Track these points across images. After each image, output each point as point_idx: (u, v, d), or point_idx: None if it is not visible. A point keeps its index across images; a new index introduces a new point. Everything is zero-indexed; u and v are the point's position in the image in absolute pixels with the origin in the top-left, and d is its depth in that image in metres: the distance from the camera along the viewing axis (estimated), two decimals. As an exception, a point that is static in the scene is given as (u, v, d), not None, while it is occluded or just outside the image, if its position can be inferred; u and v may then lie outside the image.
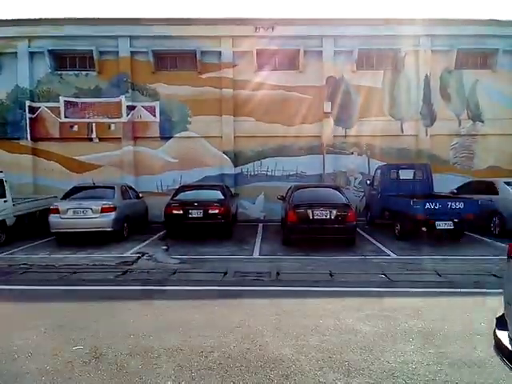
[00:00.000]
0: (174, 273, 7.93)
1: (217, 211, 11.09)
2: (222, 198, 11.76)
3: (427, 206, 10.02)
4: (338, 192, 11.13)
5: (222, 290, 6.76)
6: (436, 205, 10.05)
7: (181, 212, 11.05)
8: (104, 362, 4.08)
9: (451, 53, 15.30)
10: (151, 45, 15.01)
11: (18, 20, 14.90)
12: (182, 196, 11.84)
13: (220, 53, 15.30)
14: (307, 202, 10.28)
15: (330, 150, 15.42)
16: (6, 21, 14.87)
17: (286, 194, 11.80)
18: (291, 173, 15.54)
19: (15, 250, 10.29)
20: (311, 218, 9.94)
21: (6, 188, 11.08)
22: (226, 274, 7.78)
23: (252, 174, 15.63)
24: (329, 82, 15.40)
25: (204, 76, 15.43)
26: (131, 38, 15.06)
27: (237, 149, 15.53)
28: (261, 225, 14.10)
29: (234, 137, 15.46)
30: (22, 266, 8.70)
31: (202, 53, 15.19)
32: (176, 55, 15.55)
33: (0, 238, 10.76)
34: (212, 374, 3.80)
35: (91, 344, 4.52)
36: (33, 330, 4.98)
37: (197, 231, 11.49)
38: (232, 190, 14.24)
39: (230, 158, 15.43)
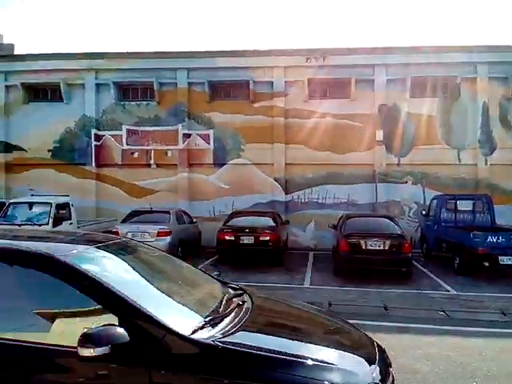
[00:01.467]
0: (227, 299, 8.00)
1: (268, 238, 11.19)
2: (273, 224, 11.87)
3: (489, 239, 9.53)
4: (391, 222, 10.89)
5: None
6: (499, 238, 9.55)
7: (232, 238, 11.25)
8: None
9: (509, 80, 14.77)
10: (207, 76, 15.73)
11: (87, 54, 16.20)
12: (234, 222, 12.08)
13: (272, 83, 15.72)
14: (360, 232, 10.13)
15: (383, 178, 15.18)
16: (76, 54, 16.21)
17: (338, 222, 11.68)
18: (342, 201, 15.41)
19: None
20: (364, 248, 9.77)
21: (71, 211, 11.84)
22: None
23: (303, 201, 15.66)
24: (381, 110, 15.32)
25: (256, 105, 15.87)
26: (189, 70, 15.90)
27: (288, 176, 15.69)
28: (311, 253, 13.98)
29: (286, 164, 15.66)
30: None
31: (255, 82, 15.68)
32: (230, 85, 16.16)
33: (64, 258, 11.40)
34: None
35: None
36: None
37: (248, 257, 11.60)
38: (283, 217, 14.32)
39: (281, 185, 15.60)
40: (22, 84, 16.22)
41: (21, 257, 2.46)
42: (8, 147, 16.39)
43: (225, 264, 11.60)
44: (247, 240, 11.12)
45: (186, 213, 13.76)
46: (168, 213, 12.15)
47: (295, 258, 13.03)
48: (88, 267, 2.44)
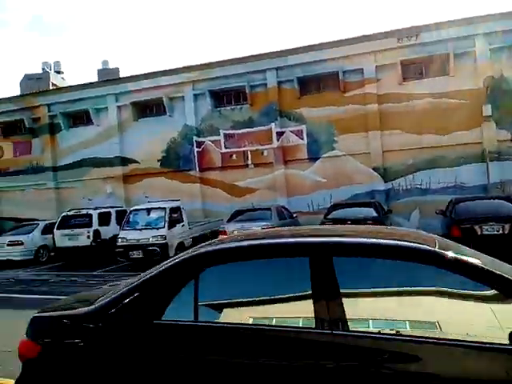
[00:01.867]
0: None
1: (371, 229, 10.99)
2: (375, 215, 11.62)
3: None
4: (510, 204, 10.01)
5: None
6: None
7: (334, 231, 11.24)
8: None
9: None
10: (295, 72, 15.94)
11: (184, 68, 17.44)
12: (334, 214, 12.05)
13: (362, 70, 15.37)
14: (473, 216, 9.48)
15: (495, 156, 13.96)
16: (174, 69, 17.54)
17: (447, 207, 11.05)
18: (449, 185, 14.52)
19: (193, 267, 11.80)
20: (479, 233, 9.14)
21: (183, 214, 12.91)
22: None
23: (404, 188, 15.08)
24: (487, 82, 14.08)
25: (347, 94, 15.65)
26: (277, 69, 16.24)
27: (386, 164, 15.23)
28: (418, 242, 13.38)
29: (383, 151, 15.21)
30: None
31: (345, 72, 15.47)
32: (319, 78, 16.16)
33: (180, 257, 12.46)
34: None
35: None
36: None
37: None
38: (384, 206, 13.94)
39: (379, 173, 15.20)
40: (131, 103, 18.05)
41: (404, 252, 2.51)
42: (124, 161, 18.36)
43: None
44: (351, 232, 11.05)
45: (285, 208, 14.12)
46: (269, 210, 12.59)
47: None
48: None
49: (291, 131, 16.28)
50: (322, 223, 11.63)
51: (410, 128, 14.82)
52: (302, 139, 16.16)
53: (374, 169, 15.27)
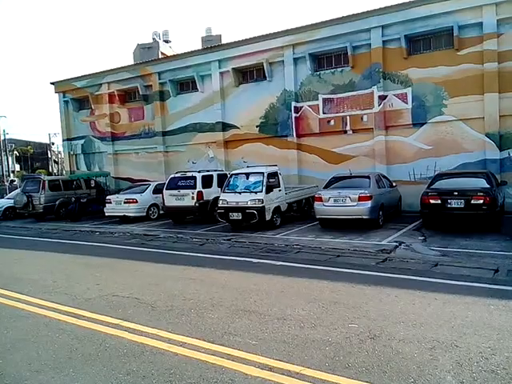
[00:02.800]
0: (436, 265, 7.81)
1: (481, 201, 10.17)
2: (487, 186, 10.68)
3: None
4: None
5: (493, 288, 6.28)
6: None
7: (439, 202, 10.65)
8: (379, 343, 4.48)
9: None
10: (403, 30, 14.82)
11: (285, 31, 17.21)
12: (439, 184, 11.37)
13: (481, 24, 13.73)
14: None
15: None
16: (275, 33, 17.40)
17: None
18: None
19: (288, 232, 12.17)
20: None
21: (280, 179, 13.19)
22: (497, 271, 7.16)
23: (523, 157, 13.49)
24: None
25: (462, 52, 14.19)
26: (383, 27, 15.23)
27: (503, 130, 13.72)
28: (537, 217, 12.09)
29: (500, 116, 13.67)
30: (294, 246, 10.23)
31: (460, 28, 13.99)
32: (430, 36, 14.87)
33: (276, 221, 12.88)
34: (496, 378, 3.71)
35: (364, 324, 5.06)
36: (313, 303, 5.93)
37: (457, 222, 10.85)
38: (497, 176, 12.69)
39: (493, 141, 13.77)
40: (233, 69, 18.51)
41: None
42: (225, 126, 19.11)
43: (429, 229, 11.19)
44: (456, 204, 10.36)
45: (385, 177, 13.61)
46: (368, 177, 12.26)
47: (515, 223, 11.52)
48: None
49: (395, 95, 15.34)
50: (425, 194, 11.06)
51: (536, 89, 13.04)
52: (407, 103, 15.17)
53: (487, 135, 13.85)
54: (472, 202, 10.21)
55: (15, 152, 70.00)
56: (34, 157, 76.30)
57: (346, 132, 16.35)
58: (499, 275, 6.98)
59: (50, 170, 69.76)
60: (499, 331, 4.65)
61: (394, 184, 13.76)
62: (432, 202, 10.78)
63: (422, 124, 14.99)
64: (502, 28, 13.53)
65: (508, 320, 4.98)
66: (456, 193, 10.50)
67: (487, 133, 13.87)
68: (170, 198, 14.76)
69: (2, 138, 55.49)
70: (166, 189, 14.92)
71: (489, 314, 5.21)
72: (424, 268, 7.69)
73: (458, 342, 4.42)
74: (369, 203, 11.31)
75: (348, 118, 16.22)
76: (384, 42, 15.32)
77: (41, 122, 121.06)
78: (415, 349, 4.31)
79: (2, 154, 55.79)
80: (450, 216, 10.62)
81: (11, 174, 57.99)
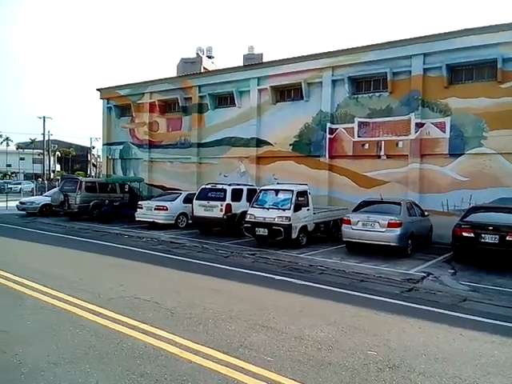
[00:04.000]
0: (464, 300, 7.53)
1: (517, 239, 9.76)
2: (524, 223, 10.25)
3: None
4: None
5: (524, 330, 6.01)
6: None
7: (472, 235, 10.30)
8: (398, 374, 4.34)
9: None
10: (446, 59, 14.62)
11: (325, 53, 17.31)
12: (473, 217, 11.00)
13: (528, 58, 13.39)
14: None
15: None
16: (315, 54, 17.55)
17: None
18: None
19: (313, 252, 12.05)
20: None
21: (309, 198, 13.14)
22: (529, 313, 6.83)
23: None
24: None
25: (505, 86, 13.84)
26: (425, 55, 15.08)
27: (545, 167, 13.18)
28: None
29: (543, 153, 13.19)
30: (318, 267, 10.11)
31: (504, 60, 13.67)
32: (472, 66, 14.59)
33: (302, 240, 12.79)
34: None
35: (384, 352, 4.92)
36: (332, 325, 5.82)
37: (490, 258, 10.43)
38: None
39: (535, 177, 13.24)
40: (271, 87, 18.76)
41: None
42: (259, 142, 19.28)
43: (460, 263, 10.81)
44: (490, 239, 9.99)
45: (417, 205, 13.31)
46: (399, 204, 12.03)
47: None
48: None
49: (432, 123, 15.07)
50: (458, 226, 10.74)
51: None
52: (444, 132, 14.85)
53: (528, 171, 13.35)
54: (507, 238, 9.82)
55: (57, 153, 73.03)
56: (74, 158, 79.32)
57: (379, 157, 16.15)
58: (532, 317, 6.65)
59: (88, 172, 72.19)
60: (527, 375, 4.42)
61: (425, 213, 13.42)
62: (465, 234, 10.43)
63: (460, 155, 14.62)
64: (550, 63, 13.15)
65: (537, 364, 4.72)
66: (491, 227, 10.13)
67: (528, 169, 13.37)
68: (199, 209, 14.96)
69: (47, 138, 58.08)
70: (196, 199, 15.14)
71: (517, 356, 4.97)
72: (451, 302, 7.42)
73: (480, 381, 4.23)
74: (398, 230, 11.08)
75: (383, 142, 16.03)
76: (425, 69, 15.15)
77: (84, 126, 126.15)
78: (435, 383, 4.15)
79: (45, 153, 58.28)
80: (483, 251, 10.24)
81: (51, 174, 60.40)
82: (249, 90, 19.64)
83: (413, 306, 7.13)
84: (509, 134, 13.66)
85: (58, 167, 75.06)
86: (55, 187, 25.78)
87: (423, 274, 9.49)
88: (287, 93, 18.97)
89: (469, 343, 5.37)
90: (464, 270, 10.05)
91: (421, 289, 8.32)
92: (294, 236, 12.30)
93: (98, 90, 26.32)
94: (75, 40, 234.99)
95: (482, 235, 10.12)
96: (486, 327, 6.04)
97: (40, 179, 47.47)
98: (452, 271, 9.99)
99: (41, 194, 26.04)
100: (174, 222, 16.59)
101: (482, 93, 14.23)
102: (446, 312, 6.78)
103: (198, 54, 63.80)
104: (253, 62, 29.63)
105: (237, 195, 14.83)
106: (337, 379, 4.17)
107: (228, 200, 14.47)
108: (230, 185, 15.19)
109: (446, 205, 14.79)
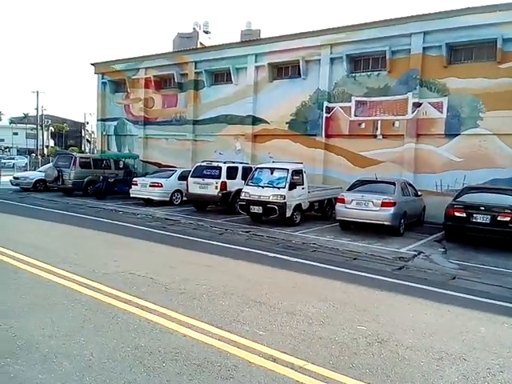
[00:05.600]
0: (454, 278, 7.68)
1: (508, 219, 9.91)
2: (517, 204, 10.37)
3: None
4: None
5: (509, 307, 6.14)
6: None
7: (464, 215, 10.42)
8: (386, 348, 4.46)
9: None
10: (446, 38, 14.45)
11: (323, 30, 17.07)
12: (466, 198, 11.11)
13: (528, 37, 13.26)
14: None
15: None
16: (313, 31, 17.26)
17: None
18: None
19: (307, 230, 12.14)
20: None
21: (304, 177, 13.16)
22: (516, 291, 6.99)
23: (559, 179, 13.00)
24: None
25: (504, 66, 13.75)
26: (425, 33, 14.89)
27: (541, 148, 13.24)
28: None
29: (539, 134, 13.22)
30: (312, 245, 10.22)
31: (504, 40, 13.54)
32: (472, 46, 14.46)
33: (296, 218, 12.87)
34: (501, 393, 3.65)
35: (373, 327, 5.04)
36: (324, 301, 5.93)
37: (480, 238, 10.59)
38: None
39: (529, 158, 13.31)
40: (269, 64, 18.50)
41: None
42: (255, 120, 19.14)
43: (451, 242, 10.97)
44: (481, 219, 10.11)
45: (411, 185, 13.37)
46: (393, 184, 12.09)
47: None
48: None
49: (430, 103, 15.00)
50: (451, 206, 10.85)
51: None
52: (441, 113, 14.80)
53: (522, 153, 13.41)
54: (498, 218, 9.95)
55: (51, 128, 72.16)
56: (68, 134, 78.47)
57: (375, 136, 16.12)
58: (518, 295, 6.81)
59: (83, 148, 71.58)
60: (510, 349, 4.56)
61: (419, 193, 13.51)
62: (457, 214, 10.55)
63: (456, 135, 14.63)
64: (550, 43, 13.04)
65: (521, 340, 4.86)
66: (482, 208, 10.25)
67: (523, 150, 13.43)
68: (194, 186, 14.96)
69: (40, 113, 57.31)
70: (191, 176, 15.12)
71: (502, 332, 5.12)
72: (441, 279, 7.57)
73: (466, 356, 4.36)
74: (391, 209, 11.16)
75: (379, 122, 15.97)
76: (424, 48, 14.98)
77: (78, 101, 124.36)
78: (422, 357, 4.28)
79: (38, 128, 57.62)
80: (474, 230, 10.37)
81: (45, 149, 59.84)
82: (246, 67, 19.37)
83: (403, 283, 7.27)
84: (505, 115, 13.65)
85: (52, 142, 74.30)
86: (49, 162, 25.62)
87: (414, 253, 9.63)
88: (284, 70, 18.74)
89: (456, 319, 5.51)
90: (454, 249, 10.21)
91: (411, 267, 8.46)
92: (288, 214, 12.38)
93: (92, 64, 25.86)
94: (69, 13, 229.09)
95: (474, 215, 10.24)
96: (474, 304, 6.18)
97: (34, 154, 47.09)
98: (442, 250, 10.14)
99: (34, 170, 25.88)
100: (168, 198, 16.61)
101: (480, 73, 14.13)
102: (435, 289, 6.92)
103: (194, 28, 62.42)
104: (250, 38, 29.16)
105: (232, 173, 14.82)
106: (326, 353, 4.28)
107: (223, 178, 14.47)
108: (225, 162, 15.15)
109: (440, 185, 14.88)
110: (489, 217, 10.06)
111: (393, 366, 4.07)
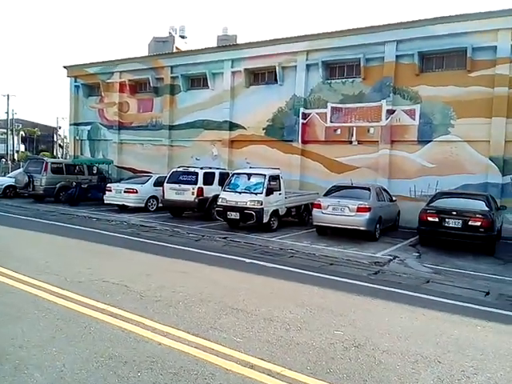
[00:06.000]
0: (428, 282, 7.82)
1: (479, 223, 10.19)
2: (486, 209, 10.72)
3: None
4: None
5: (482, 310, 6.28)
6: None
7: (436, 220, 10.67)
8: (362, 352, 4.48)
9: None
10: (417, 47, 14.86)
11: (300, 37, 17.25)
12: (439, 203, 11.38)
13: (495, 47, 13.76)
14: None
15: None
16: (290, 38, 17.42)
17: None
18: None
19: (284, 236, 12.16)
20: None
21: (281, 183, 13.20)
22: (488, 293, 7.16)
23: (525, 184, 13.49)
24: None
25: (473, 75, 14.22)
26: (398, 42, 15.27)
27: (508, 155, 13.73)
28: (534, 245, 12.10)
29: (505, 141, 13.69)
30: (289, 250, 10.23)
31: (474, 49, 14.02)
32: (443, 55, 14.92)
33: (273, 224, 12.87)
34: (475, 395, 3.71)
35: (350, 332, 5.06)
36: (301, 307, 5.93)
37: (453, 242, 10.85)
38: (498, 201, 12.68)
39: (497, 165, 13.77)
40: (245, 69, 18.56)
41: None
42: (232, 126, 19.13)
43: (425, 246, 11.19)
44: (454, 223, 10.38)
45: (385, 190, 13.61)
46: (368, 189, 12.27)
47: (510, 248, 11.54)
48: None
49: (403, 110, 15.35)
50: (424, 211, 11.09)
51: (546, 117, 13.08)
52: (414, 120, 15.18)
53: (491, 159, 13.85)
54: (470, 223, 10.23)
55: (21, 132, 70.10)
56: (39, 139, 76.35)
57: (351, 142, 16.36)
58: (489, 298, 6.99)
59: (55, 153, 69.82)
60: (483, 352, 4.66)
61: (394, 198, 13.77)
62: (430, 219, 10.79)
63: (428, 142, 15.00)
64: (516, 53, 13.56)
65: (493, 342, 4.98)
66: (454, 212, 10.51)
67: (491, 156, 13.88)
68: (170, 192, 14.79)
69: (11, 117, 55.65)
70: (167, 182, 14.94)
71: (475, 334, 5.22)
72: (415, 283, 7.69)
73: (441, 359, 4.42)
74: (367, 215, 11.32)
75: (355, 128, 16.23)
76: (397, 56, 15.36)
77: (50, 105, 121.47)
78: (398, 361, 4.32)
79: (9, 133, 55.92)
80: (447, 235, 10.63)
81: (15, 154, 58.09)
82: (222, 72, 19.37)
83: (379, 287, 7.35)
84: (475, 123, 14.11)
85: (23, 147, 72.19)
86: (19, 168, 24.86)
87: (390, 257, 9.77)
88: (261, 76, 18.84)
89: (430, 322, 5.60)
90: (428, 253, 10.42)
91: (387, 271, 8.58)
92: (265, 220, 12.37)
93: (64, 67, 25.32)
94: (42, 14, 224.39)
95: (446, 220, 10.50)
96: (447, 307, 6.30)
97: (3, 160, 45.64)
98: (417, 254, 10.33)
99: (4, 175, 25.06)
100: (144, 205, 16.36)
101: (451, 81, 14.57)
102: (410, 293, 7.03)
103: (170, 33, 62.11)
104: (227, 43, 29.17)
105: (209, 179, 14.73)
106: (304, 359, 4.27)
107: (200, 183, 14.36)
108: (201, 168, 15.06)
109: (414, 190, 15.21)
110: (460, 221, 10.33)
111: (369, 370, 4.09)
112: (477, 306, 6.44)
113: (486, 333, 5.30)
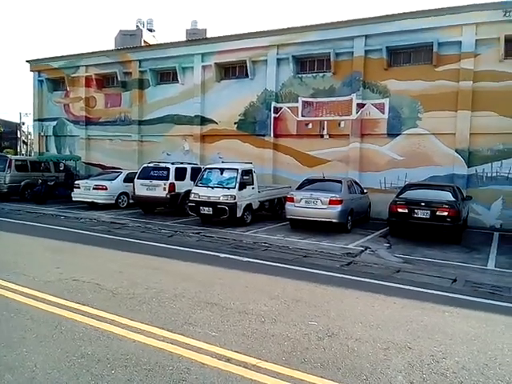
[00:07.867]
0: (398, 271, 8.02)
1: (446, 213, 10.52)
2: (453, 199, 11.06)
3: None
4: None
5: (450, 296, 6.51)
6: None
7: (406, 211, 10.94)
8: (336, 341, 4.56)
9: None
10: (385, 42, 15.12)
11: (270, 31, 17.23)
12: (407, 194, 11.66)
13: (460, 42, 14.17)
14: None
15: None
16: (260, 32, 17.39)
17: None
18: (542, 176, 13.22)
19: (258, 230, 12.19)
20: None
21: (254, 177, 13.21)
22: (455, 281, 7.42)
23: (489, 175, 14.01)
24: None
25: (439, 69, 14.60)
26: (366, 37, 15.49)
27: (472, 147, 14.19)
28: (496, 234, 12.61)
29: (470, 134, 14.15)
30: (263, 244, 10.27)
31: (440, 44, 14.39)
32: (410, 50, 15.22)
33: (247, 218, 12.88)
34: (445, 380, 3.82)
35: (324, 322, 5.14)
36: (276, 299, 5.97)
37: (422, 232, 11.18)
38: (463, 192, 13.14)
39: (462, 157, 14.23)
40: (216, 64, 18.40)
41: None
42: (203, 121, 18.97)
43: (395, 237, 11.46)
44: (422, 214, 10.67)
45: (357, 183, 13.85)
46: (340, 182, 12.44)
47: (476, 237, 12.00)
48: None
49: (373, 104, 15.62)
50: (394, 202, 11.34)
51: (505, 111, 13.57)
52: (383, 113, 15.47)
53: (457, 151, 14.31)
54: (437, 213, 10.54)
55: (-18, 129, 67.23)
56: (2, 135, 73.45)
57: (322, 136, 16.53)
58: (456, 284, 7.24)
59: (18, 150, 67.41)
60: (451, 337, 4.82)
61: (365, 191, 14.03)
62: (399, 210, 11.06)
63: (397, 135, 15.33)
64: (479, 48, 13.98)
65: (461, 327, 5.16)
66: (423, 203, 10.81)
67: (457, 149, 14.32)
68: (141, 188, 14.55)
69: (-30, 113, 53.20)
70: (138, 178, 14.69)
71: (443, 320, 5.40)
72: (386, 273, 7.87)
73: (411, 345, 4.54)
74: (339, 207, 11.49)
75: (326, 122, 16.40)
76: (366, 51, 15.58)
77: (12, 101, 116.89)
78: (370, 348, 4.41)
79: (-31, 129, 53.48)
80: (416, 225, 10.93)
81: (-24, 152, 55.70)
82: (192, 67, 19.15)
83: (351, 278, 7.49)
84: (441, 116, 14.50)
85: (-15, 145, 69.33)
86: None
87: (361, 248, 9.96)
88: (232, 70, 18.73)
89: (401, 310, 5.75)
90: (398, 244, 10.68)
91: (359, 262, 8.74)
92: (239, 214, 12.36)
93: (27, 61, 24.41)
94: (1, 5, 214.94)
95: (415, 211, 10.78)
96: (417, 295, 6.48)
97: (-36, 157, 43.63)
98: (387, 245, 10.58)
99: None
100: (114, 201, 16.03)
101: (418, 75, 14.90)
102: (382, 283, 7.20)
103: (137, 26, 60.89)
104: (196, 37, 28.88)
105: (180, 174, 14.57)
106: (279, 350, 4.30)
107: (171, 179, 14.19)
108: (173, 163, 14.88)
109: (384, 182, 15.53)
110: (429, 212, 10.63)
111: (343, 358, 4.16)
112: (445, 293, 6.66)
113: (454, 318, 5.49)
